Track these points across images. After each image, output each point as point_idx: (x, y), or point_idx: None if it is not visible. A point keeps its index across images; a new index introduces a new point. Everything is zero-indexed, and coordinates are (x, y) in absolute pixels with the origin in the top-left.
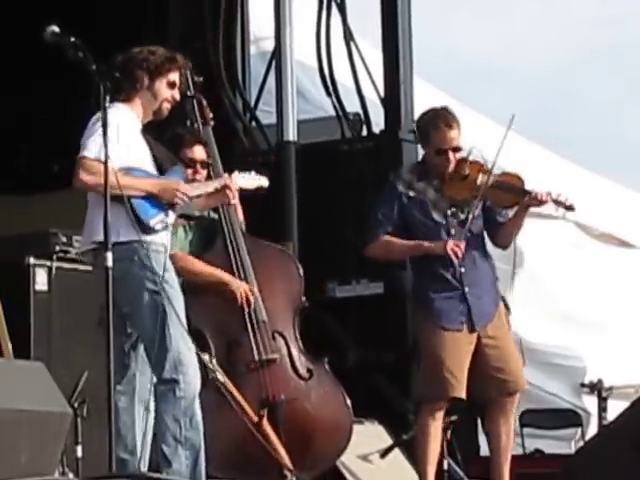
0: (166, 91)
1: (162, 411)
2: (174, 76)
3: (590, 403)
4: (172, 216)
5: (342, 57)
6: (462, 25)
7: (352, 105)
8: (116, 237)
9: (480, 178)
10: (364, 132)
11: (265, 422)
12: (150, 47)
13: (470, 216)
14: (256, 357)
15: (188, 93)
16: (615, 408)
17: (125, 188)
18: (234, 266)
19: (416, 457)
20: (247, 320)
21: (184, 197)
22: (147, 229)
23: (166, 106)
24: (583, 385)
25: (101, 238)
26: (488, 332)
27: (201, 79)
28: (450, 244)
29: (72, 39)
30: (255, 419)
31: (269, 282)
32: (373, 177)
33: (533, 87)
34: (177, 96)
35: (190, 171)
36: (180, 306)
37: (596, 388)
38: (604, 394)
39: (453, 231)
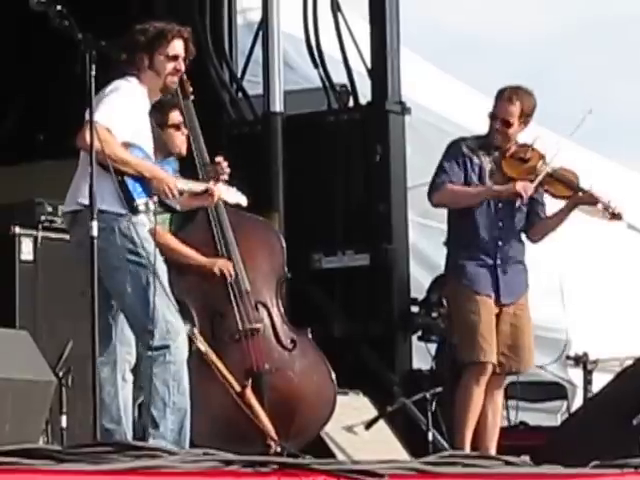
0: (168, 65)
1: (152, 375)
2: (173, 48)
3: (576, 376)
4: (155, 202)
5: (329, 28)
6: None
7: (339, 76)
8: (100, 204)
9: (540, 165)
10: (351, 103)
11: (249, 392)
12: (145, 25)
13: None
14: (240, 327)
15: None
16: (600, 381)
17: (123, 163)
18: (216, 239)
19: (454, 420)
20: (230, 290)
21: (172, 192)
22: (132, 207)
23: (171, 80)
24: (568, 358)
25: (86, 201)
26: (510, 309)
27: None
28: (520, 184)
29: (58, 8)
30: (238, 389)
31: (251, 254)
32: (359, 148)
33: (519, 59)
34: (181, 66)
35: (179, 133)
36: (164, 277)
37: (581, 361)
38: (589, 367)
39: (500, 205)
